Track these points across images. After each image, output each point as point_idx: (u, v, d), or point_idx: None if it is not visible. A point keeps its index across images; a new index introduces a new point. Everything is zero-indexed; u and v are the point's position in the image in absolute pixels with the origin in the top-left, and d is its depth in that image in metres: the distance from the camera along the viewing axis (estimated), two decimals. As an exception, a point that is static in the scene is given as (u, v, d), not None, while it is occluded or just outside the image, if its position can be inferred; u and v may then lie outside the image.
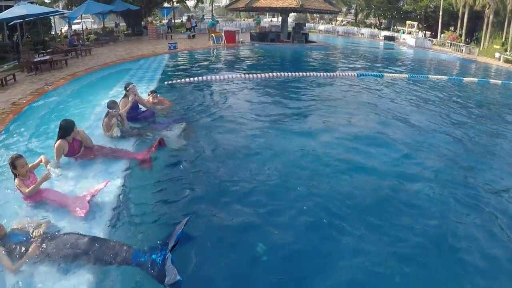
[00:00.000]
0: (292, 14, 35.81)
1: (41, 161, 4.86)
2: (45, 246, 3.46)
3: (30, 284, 3.20)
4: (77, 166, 5.37)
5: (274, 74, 11.20)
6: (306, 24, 31.71)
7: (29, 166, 4.58)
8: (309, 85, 10.56)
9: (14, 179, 4.39)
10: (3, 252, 3.37)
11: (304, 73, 11.21)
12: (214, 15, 55.60)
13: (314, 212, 4.44)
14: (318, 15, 40.05)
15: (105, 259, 3.36)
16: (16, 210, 4.36)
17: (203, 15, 32.80)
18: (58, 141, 5.22)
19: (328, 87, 10.61)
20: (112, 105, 6.31)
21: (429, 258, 3.81)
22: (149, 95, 8.07)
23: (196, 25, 31.38)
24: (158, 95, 8.36)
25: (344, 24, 39.87)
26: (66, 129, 5.21)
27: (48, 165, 4.90)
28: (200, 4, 42.64)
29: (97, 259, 3.36)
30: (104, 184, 4.64)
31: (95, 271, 3.32)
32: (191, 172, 5.39)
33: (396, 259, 3.74)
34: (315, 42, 21.71)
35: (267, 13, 39.19)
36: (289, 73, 11.31)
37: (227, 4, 27.37)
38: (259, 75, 11.19)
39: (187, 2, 39.66)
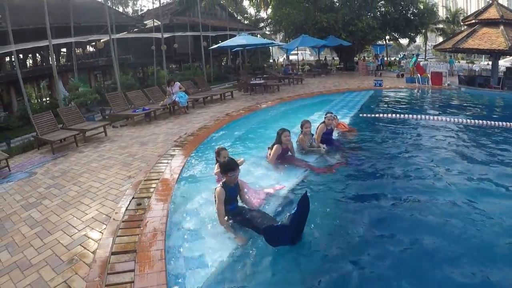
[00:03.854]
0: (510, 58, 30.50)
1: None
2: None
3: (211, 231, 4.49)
4: (267, 167, 6.58)
5: (469, 120, 10.14)
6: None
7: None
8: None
9: (215, 165, 5.74)
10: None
11: (505, 123, 9.62)
12: (431, 54, 52.66)
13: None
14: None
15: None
16: (208, 187, 5.64)
17: (416, 54, 31.46)
18: (276, 145, 6.41)
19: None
20: (304, 123, 7.22)
21: None
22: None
23: (382, 63, 31.41)
24: (334, 115, 8.30)
25: None
26: (279, 136, 6.39)
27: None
28: (413, 43, 41.44)
29: (259, 225, 4.19)
30: (280, 187, 5.62)
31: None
32: (352, 194, 5.54)
33: None
34: (530, 89, 18.32)
35: (483, 56, 34.58)
36: (486, 121, 9.94)
37: (435, 44, 25.65)
38: (453, 119, 10.35)
39: (401, 41, 39.17)
